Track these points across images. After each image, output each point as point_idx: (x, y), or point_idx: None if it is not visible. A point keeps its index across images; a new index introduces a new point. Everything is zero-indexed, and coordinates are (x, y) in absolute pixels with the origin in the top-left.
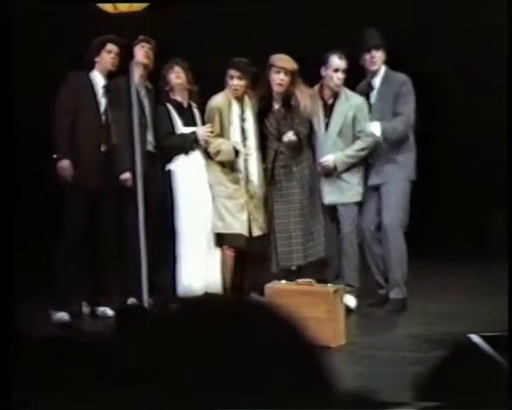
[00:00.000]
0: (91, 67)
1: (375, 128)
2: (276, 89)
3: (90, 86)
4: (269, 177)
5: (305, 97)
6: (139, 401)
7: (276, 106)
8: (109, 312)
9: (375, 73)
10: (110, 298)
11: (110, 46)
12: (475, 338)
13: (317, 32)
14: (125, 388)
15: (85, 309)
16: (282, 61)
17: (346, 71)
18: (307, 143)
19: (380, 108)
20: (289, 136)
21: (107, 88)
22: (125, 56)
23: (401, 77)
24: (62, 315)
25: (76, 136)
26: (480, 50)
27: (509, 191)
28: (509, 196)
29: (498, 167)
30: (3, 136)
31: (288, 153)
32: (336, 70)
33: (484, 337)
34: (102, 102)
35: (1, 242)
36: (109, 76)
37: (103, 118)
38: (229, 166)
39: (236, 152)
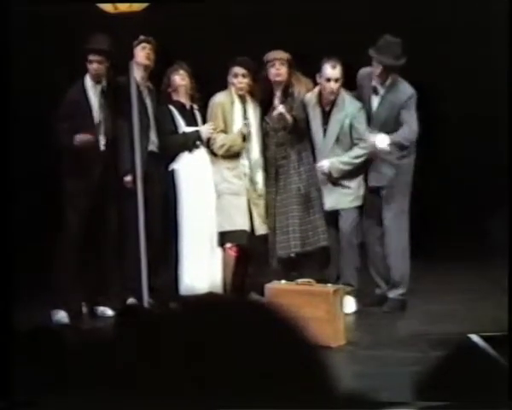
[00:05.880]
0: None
1: (382, 141)
2: (276, 80)
3: (83, 91)
4: (273, 173)
5: (300, 84)
6: (139, 401)
7: (277, 101)
8: (109, 312)
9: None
10: (110, 298)
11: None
12: (475, 338)
13: (319, 33)
14: (126, 388)
15: (85, 309)
16: (275, 53)
17: (346, 74)
18: (306, 131)
19: (382, 116)
20: (279, 108)
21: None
22: (126, 56)
23: (409, 90)
24: (61, 316)
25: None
26: (479, 51)
27: (509, 191)
28: (509, 196)
29: (498, 167)
30: (3, 136)
31: (284, 138)
32: (328, 80)
33: (484, 337)
34: (102, 102)
35: (1, 241)
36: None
37: (102, 116)
38: (234, 163)
39: (244, 137)
